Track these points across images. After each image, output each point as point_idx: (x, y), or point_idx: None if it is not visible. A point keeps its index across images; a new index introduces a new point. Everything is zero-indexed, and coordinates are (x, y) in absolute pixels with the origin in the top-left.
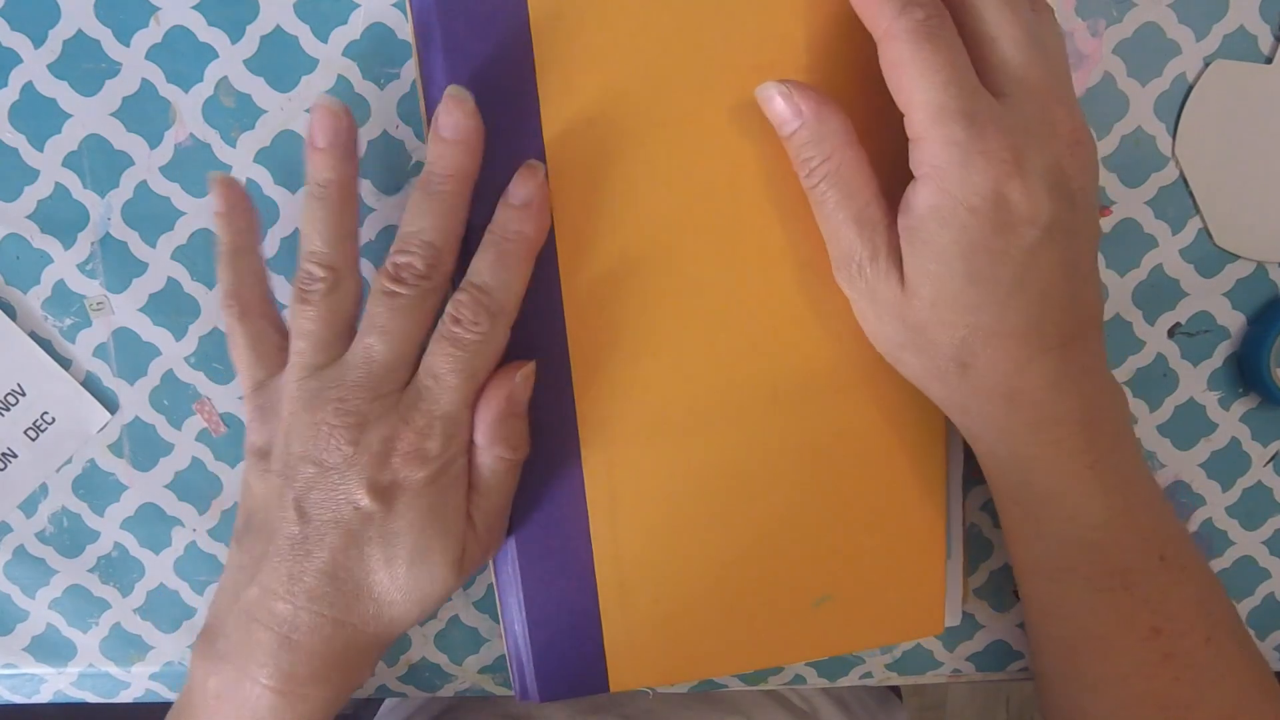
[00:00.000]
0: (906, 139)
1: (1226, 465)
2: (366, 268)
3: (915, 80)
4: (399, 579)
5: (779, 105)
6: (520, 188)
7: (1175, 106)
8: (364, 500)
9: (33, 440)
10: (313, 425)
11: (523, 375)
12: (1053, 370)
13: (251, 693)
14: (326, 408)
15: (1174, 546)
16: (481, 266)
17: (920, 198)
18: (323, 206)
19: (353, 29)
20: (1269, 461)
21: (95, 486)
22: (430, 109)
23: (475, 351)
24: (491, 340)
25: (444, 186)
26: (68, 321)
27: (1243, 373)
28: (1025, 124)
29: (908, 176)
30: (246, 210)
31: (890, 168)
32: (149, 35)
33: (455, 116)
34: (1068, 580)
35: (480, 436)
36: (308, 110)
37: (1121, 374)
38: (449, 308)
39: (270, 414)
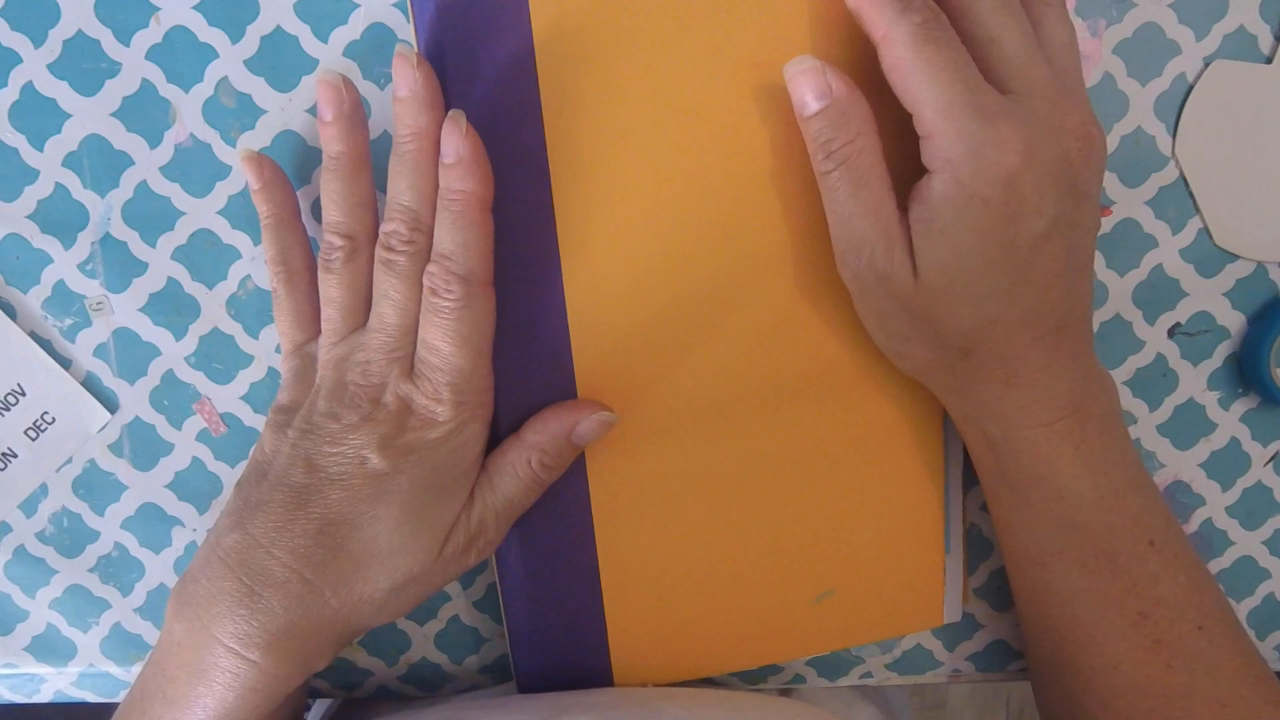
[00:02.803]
0: (907, 138)
1: (1226, 465)
2: None
3: (920, 80)
4: (380, 540)
5: (812, 81)
6: (447, 144)
7: (1175, 106)
8: (374, 458)
9: (33, 440)
10: (340, 386)
11: (600, 419)
12: (1047, 354)
13: (205, 645)
14: (354, 370)
15: (1163, 533)
16: (441, 235)
17: (934, 189)
18: (336, 178)
19: (353, 29)
20: (1269, 461)
21: (95, 486)
22: None
23: (458, 317)
24: (471, 303)
25: (408, 146)
26: (68, 321)
27: (1243, 373)
28: (1034, 118)
29: (911, 173)
30: (283, 182)
31: (895, 164)
32: (149, 35)
33: (405, 73)
34: (1056, 565)
35: (527, 434)
36: (308, 110)
37: (1121, 374)
38: (424, 280)
39: (302, 376)
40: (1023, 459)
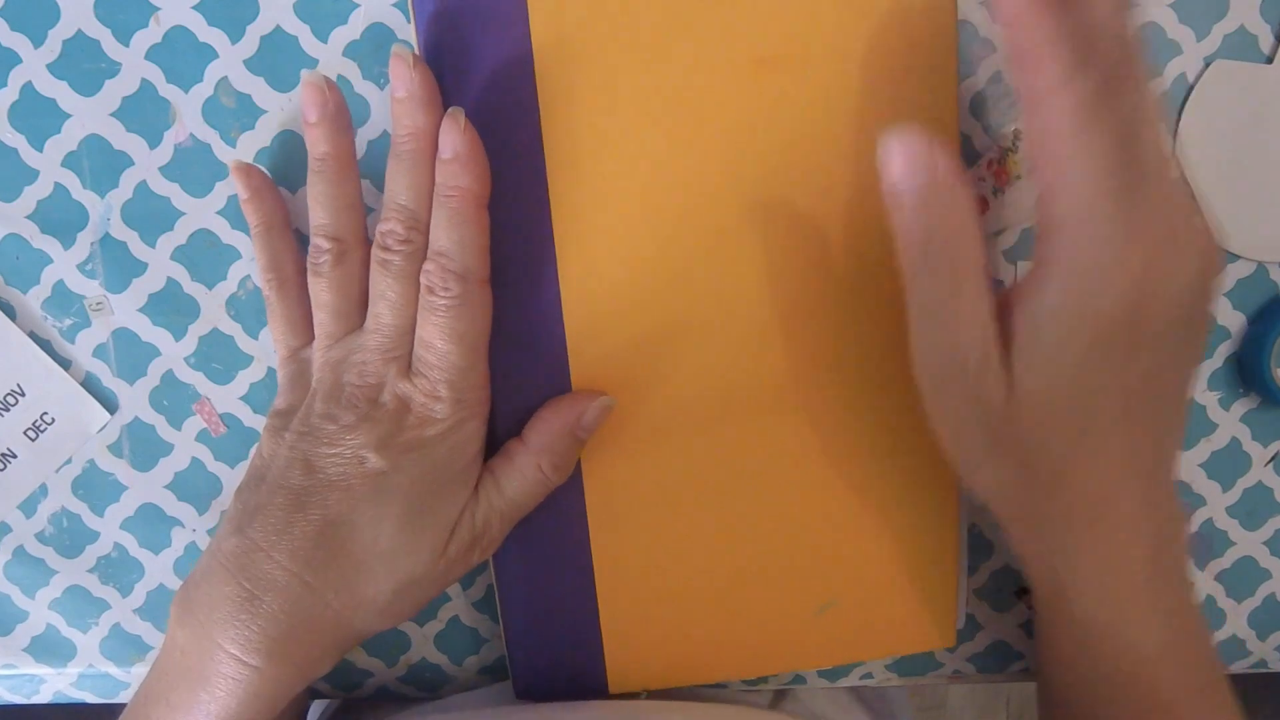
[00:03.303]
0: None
1: (1226, 465)
2: None
3: (1073, 160)
4: (382, 541)
5: (914, 153)
6: (445, 141)
7: (1175, 106)
8: (373, 458)
9: (32, 440)
10: (337, 387)
11: (601, 405)
12: (1140, 496)
13: (207, 651)
14: (350, 372)
15: (1212, 676)
16: (438, 233)
17: (1050, 294)
18: (322, 180)
19: (353, 29)
20: (1269, 461)
21: (95, 487)
22: None
23: (455, 315)
24: (468, 301)
25: (406, 146)
26: (67, 322)
27: (1243, 373)
28: (1171, 231)
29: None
30: (271, 191)
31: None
32: (149, 35)
33: (402, 74)
34: (1108, 710)
35: (532, 437)
36: None
37: None
38: (421, 278)
39: (298, 381)
40: (1094, 605)
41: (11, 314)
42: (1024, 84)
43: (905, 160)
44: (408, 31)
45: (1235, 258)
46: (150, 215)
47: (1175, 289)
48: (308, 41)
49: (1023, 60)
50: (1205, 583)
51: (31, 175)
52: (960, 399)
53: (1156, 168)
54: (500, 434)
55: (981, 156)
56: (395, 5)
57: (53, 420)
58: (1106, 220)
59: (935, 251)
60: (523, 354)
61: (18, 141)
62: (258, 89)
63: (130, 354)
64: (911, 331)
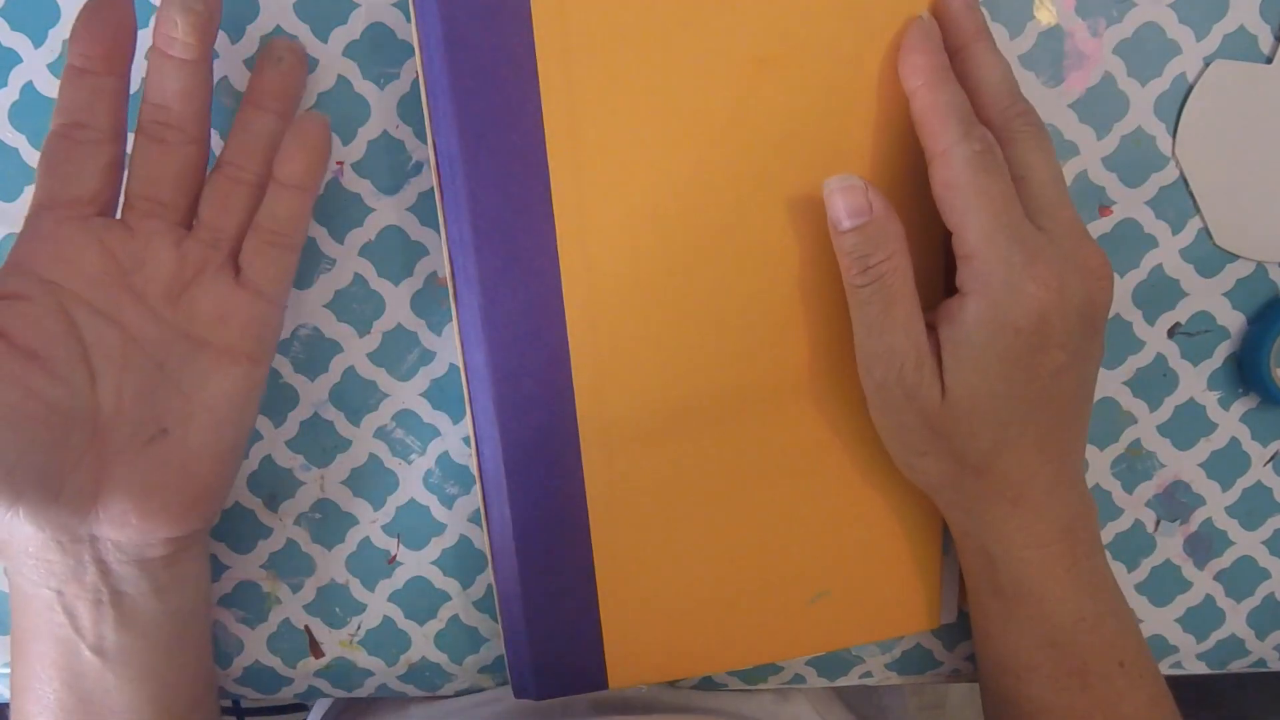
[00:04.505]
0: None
1: (1226, 465)
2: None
3: (971, 203)
4: None
5: (852, 198)
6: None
7: (1175, 106)
8: None
9: None
10: None
11: None
12: (1052, 478)
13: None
14: None
15: (1133, 654)
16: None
17: (969, 312)
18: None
19: (353, 29)
20: (1269, 461)
21: None
22: (432, 109)
23: None
24: None
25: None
26: None
27: (1243, 373)
28: (1065, 256)
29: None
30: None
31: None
32: (148, 35)
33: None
34: (1031, 678)
35: None
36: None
37: (1121, 374)
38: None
39: None
40: (1018, 576)
41: None
42: (925, 143)
43: (845, 201)
44: (408, 31)
45: (1235, 258)
46: None
47: (1072, 301)
48: (308, 41)
49: (922, 124)
50: (1205, 583)
51: (31, 175)
52: (900, 401)
53: (1048, 204)
54: (500, 431)
55: None
56: (395, 5)
57: None
58: (1006, 249)
59: (874, 272)
60: (523, 353)
61: (18, 141)
62: None
63: None
64: (856, 343)
